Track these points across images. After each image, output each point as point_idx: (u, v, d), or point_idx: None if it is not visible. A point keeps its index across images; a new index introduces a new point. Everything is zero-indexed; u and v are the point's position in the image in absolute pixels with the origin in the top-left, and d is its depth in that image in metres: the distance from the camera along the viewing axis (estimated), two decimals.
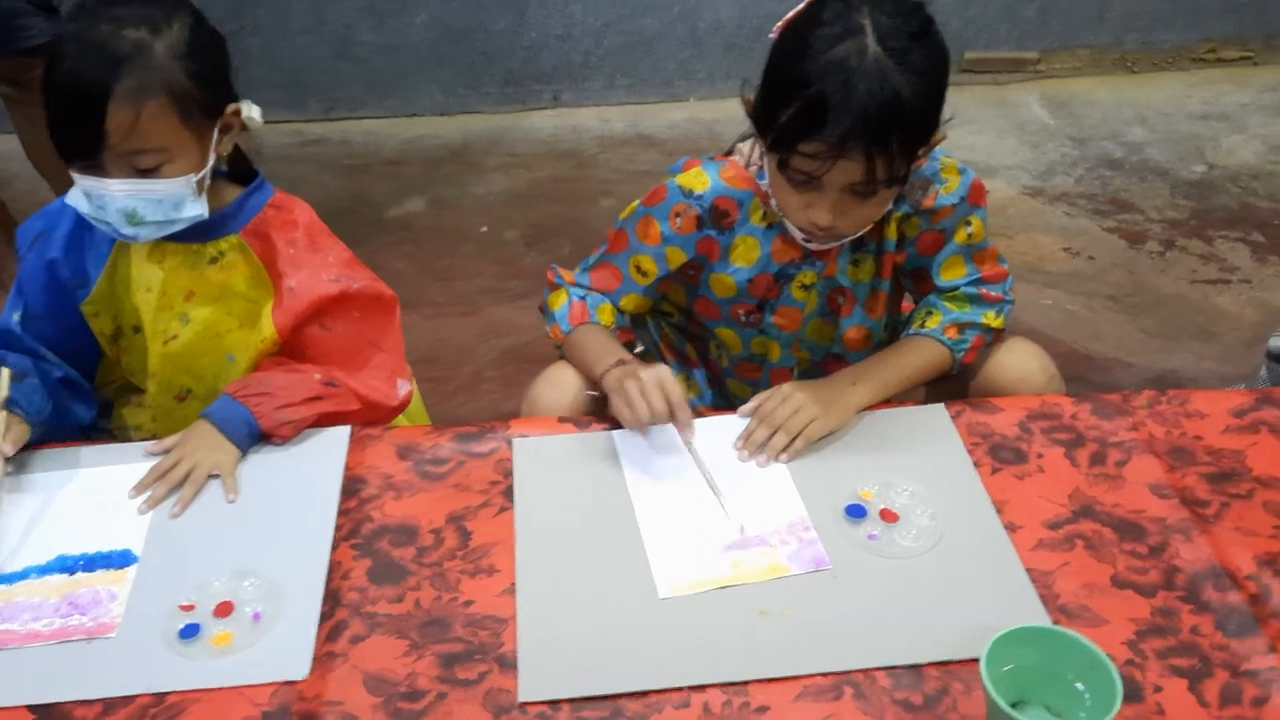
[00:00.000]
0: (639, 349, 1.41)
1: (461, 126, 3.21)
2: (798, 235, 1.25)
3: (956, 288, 1.33)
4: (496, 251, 2.57)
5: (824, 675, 0.96)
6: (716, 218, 1.30)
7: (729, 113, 2.96)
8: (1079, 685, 0.88)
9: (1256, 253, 2.55)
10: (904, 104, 1.08)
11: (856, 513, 1.12)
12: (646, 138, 3.11)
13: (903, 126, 1.09)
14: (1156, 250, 2.57)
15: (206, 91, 1.18)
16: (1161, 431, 1.23)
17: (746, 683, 0.96)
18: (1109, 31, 3.40)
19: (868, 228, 1.24)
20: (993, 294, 1.33)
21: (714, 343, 1.43)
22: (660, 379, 1.17)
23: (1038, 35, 3.38)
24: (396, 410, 1.37)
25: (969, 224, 1.31)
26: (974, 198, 1.31)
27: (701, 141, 3.07)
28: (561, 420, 1.27)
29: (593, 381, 1.26)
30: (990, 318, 1.32)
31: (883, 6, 1.10)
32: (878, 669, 0.97)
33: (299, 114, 3.22)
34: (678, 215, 1.29)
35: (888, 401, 1.30)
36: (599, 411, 1.27)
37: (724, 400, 1.48)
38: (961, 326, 1.32)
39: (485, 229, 2.69)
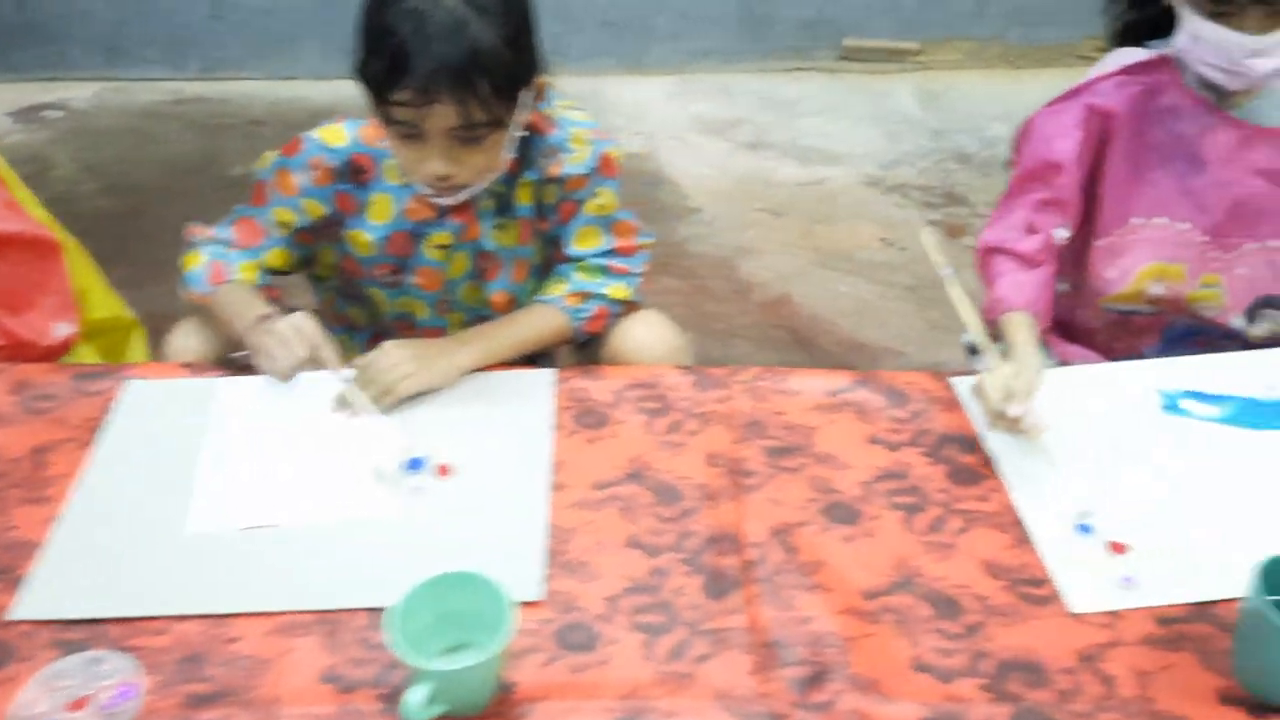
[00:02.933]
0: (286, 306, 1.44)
1: (334, 91, 3.23)
2: (428, 192, 1.28)
3: (585, 258, 1.36)
4: None
5: (308, 612, 1.01)
6: (353, 173, 1.33)
7: (599, 89, 2.98)
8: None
9: None
10: (481, 47, 1.12)
11: (415, 465, 1.16)
12: None
13: (484, 69, 1.13)
14: (971, 244, 2.57)
15: None
16: (749, 406, 1.26)
17: (228, 615, 1.00)
18: (991, 25, 3.40)
19: (490, 177, 1.27)
20: (620, 266, 1.36)
21: (371, 304, 1.47)
22: (297, 325, 1.23)
23: (918, 26, 3.38)
24: (54, 350, 1.42)
25: (599, 195, 1.34)
26: (604, 169, 1.34)
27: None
28: (184, 366, 1.32)
29: (239, 341, 1.29)
30: (615, 289, 1.36)
31: None
32: (360, 609, 1.01)
33: (179, 73, 3.27)
34: (314, 168, 1.33)
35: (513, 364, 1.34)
36: (248, 367, 1.29)
37: None
38: (584, 296, 1.35)
39: None
